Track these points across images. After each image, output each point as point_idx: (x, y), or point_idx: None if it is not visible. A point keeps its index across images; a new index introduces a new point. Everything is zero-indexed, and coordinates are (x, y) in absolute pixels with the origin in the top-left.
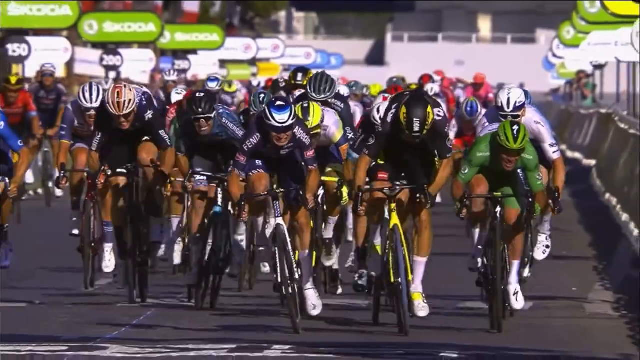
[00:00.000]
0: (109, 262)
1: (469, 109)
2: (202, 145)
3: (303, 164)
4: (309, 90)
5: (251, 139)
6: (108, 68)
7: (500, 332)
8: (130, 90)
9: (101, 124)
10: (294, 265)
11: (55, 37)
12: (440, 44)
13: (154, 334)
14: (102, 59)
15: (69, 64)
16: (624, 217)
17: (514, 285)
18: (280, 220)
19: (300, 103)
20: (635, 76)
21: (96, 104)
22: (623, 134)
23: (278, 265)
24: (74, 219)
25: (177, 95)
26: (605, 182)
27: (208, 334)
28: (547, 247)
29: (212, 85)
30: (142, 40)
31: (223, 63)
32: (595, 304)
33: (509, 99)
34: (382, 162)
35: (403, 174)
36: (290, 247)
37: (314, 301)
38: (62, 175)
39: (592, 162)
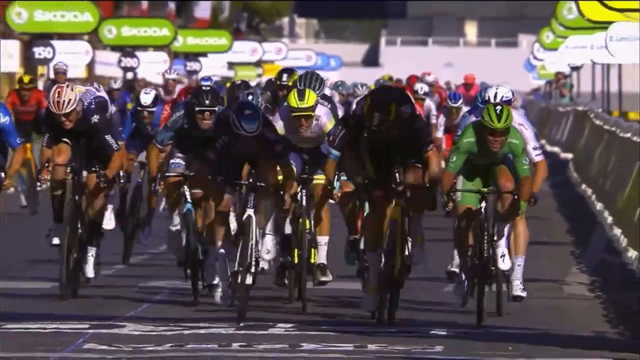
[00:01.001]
0: (110, 220)
1: (451, 95)
2: (196, 143)
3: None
4: (299, 88)
5: (221, 139)
6: (125, 69)
7: (479, 324)
8: (72, 90)
9: (49, 123)
10: (254, 258)
11: (77, 40)
12: (431, 47)
13: (167, 313)
14: (120, 61)
15: (90, 66)
16: (599, 206)
17: (502, 249)
18: (251, 212)
19: (296, 87)
20: (609, 76)
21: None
22: (598, 130)
23: (238, 254)
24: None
25: (145, 95)
26: (581, 174)
27: (217, 314)
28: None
29: (146, 99)
30: (156, 43)
31: (231, 65)
32: (572, 285)
33: (496, 93)
34: (373, 177)
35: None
36: (254, 240)
37: (269, 246)
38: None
39: (569, 155)
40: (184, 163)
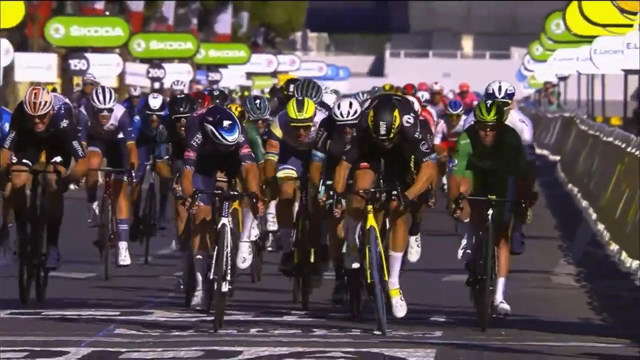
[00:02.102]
0: (125, 257)
1: (452, 104)
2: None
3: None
4: (296, 95)
5: (195, 139)
6: (153, 79)
7: (484, 330)
8: (48, 93)
9: (18, 123)
10: (229, 267)
11: (109, 54)
12: (431, 59)
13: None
14: (148, 72)
15: (121, 76)
16: (584, 203)
17: (502, 305)
18: (225, 221)
19: (295, 97)
20: (594, 86)
21: (109, 105)
22: (583, 134)
23: (214, 262)
24: (91, 211)
25: (153, 100)
26: (568, 175)
27: (237, 303)
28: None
29: (155, 103)
30: (181, 56)
31: (249, 75)
32: (559, 276)
33: (500, 86)
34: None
35: (381, 177)
36: (229, 248)
37: (245, 254)
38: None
39: (557, 157)
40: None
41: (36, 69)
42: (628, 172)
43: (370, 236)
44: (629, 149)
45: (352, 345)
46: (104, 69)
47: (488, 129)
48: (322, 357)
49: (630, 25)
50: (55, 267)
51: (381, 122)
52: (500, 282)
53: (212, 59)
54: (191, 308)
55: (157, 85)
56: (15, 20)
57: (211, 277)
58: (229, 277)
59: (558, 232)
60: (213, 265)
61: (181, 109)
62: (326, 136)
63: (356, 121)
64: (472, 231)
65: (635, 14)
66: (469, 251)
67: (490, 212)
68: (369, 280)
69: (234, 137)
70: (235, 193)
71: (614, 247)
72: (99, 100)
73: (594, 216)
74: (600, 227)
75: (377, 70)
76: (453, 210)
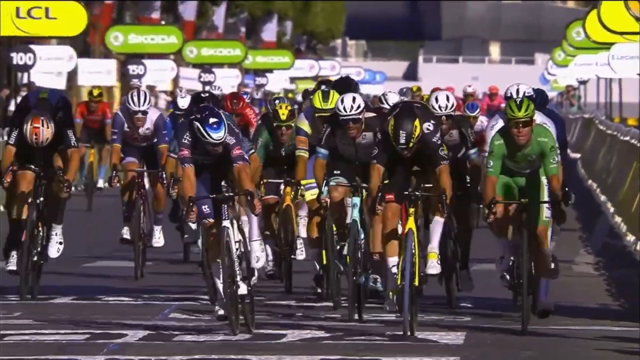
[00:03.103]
0: (159, 239)
1: (469, 106)
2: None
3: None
4: (324, 90)
5: (186, 137)
6: (204, 83)
7: (524, 333)
8: (48, 128)
9: (20, 121)
10: (237, 269)
11: (164, 59)
12: (461, 64)
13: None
14: (200, 76)
15: (175, 80)
16: (602, 198)
17: (545, 303)
18: (226, 223)
19: (321, 88)
20: (611, 89)
21: (143, 107)
22: (602, 134)
23: (221, 267)
24: (126, 228)
25: (181, 100)
26: (588, 171)
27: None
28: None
29: (183, 103)
30: (230, 61)
31: (292, 79)
32: (580, 265)
33: (518, 89)
34: (386, 182)
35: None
36: (234, 250)
37: (257, 254)
38: (114, 174)
39: (578, 155)
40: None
41: (97, 74)
42: None
43: (407, 240)
44: None
45: (386, 327)
46: (159, 74)
47: (520, 125)
48: (356, 340)
49: None
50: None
51: (401, 132)
52: (542, 283)
53: (258, 64)
54: (217, 319)
55: (207, 88)
56: (78, 29)
57: (221, 282)
58: (239, 278)
59: (579, 225)
60: (221, 271)
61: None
62: (330, 132)
63: (359, 116)
64: (506, 239)
65: None
66: (500, 259)
67: (524, 215)
68: (398, 283)
69: (219, 135)
70: (231, 194)
71: (631, 238)
72: (133, 103)
73: (612, 210)
74: (618, 219)
75: (411, 74)
76: (487, 215)
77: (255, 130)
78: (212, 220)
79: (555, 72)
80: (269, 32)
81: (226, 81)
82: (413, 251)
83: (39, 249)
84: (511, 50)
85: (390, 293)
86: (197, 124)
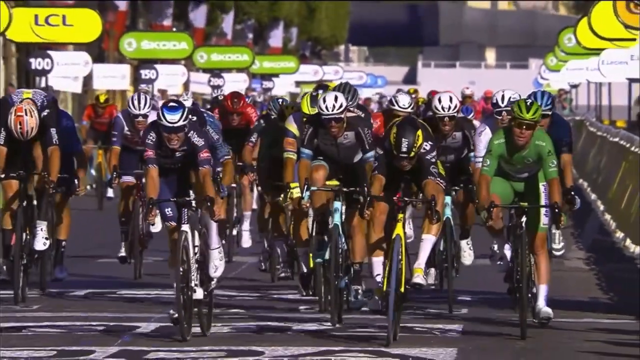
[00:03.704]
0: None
1: (463, 110)
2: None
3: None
4: (312, 94)
5: (150, 136)
6: (214, 87)
7: (523, 339)
8: (32, 117)
9: (5, 120)
10: (194, 274)
11: (175, 64)
12: (458, 69)
13: (255, 276)
14: (209, 81)
15: (186, 84)
16: (593, 196)
17: (544, 309)
18: (185, 228)
19: (310, 92)
20: (601, 92)
21: (144, 111)
22: (592, 135)
23: (175, 272)
24: (122, 242)
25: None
26: (579, 171)
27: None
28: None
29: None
30: (238, 66)
31: (298, 83)
32: (571, 260)
33: (503, 95)
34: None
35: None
36: (192, 255)
37: (216, 262)
38: (113, 176)
39: None
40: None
41: (112, 78)
42: (631, 168)
43: (395, 245)
44: (632, 148)
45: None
46: (171, 78)
47: (524, 127)
48: (358, 332)
49: (634, 39)
50: (62, 278)
51: (403, 139)
52: (542, 288)
53: (265, 69)
54: (171, 322)
55: (216, 92)
56: (93, 35)
57: (179, 287)
58: (195, 283)
59: (570, 222)
60: (176, 274)
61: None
62: (312, 132)
63: (341, 115)
64: (504, 242)
65: (637, 29)
66: (500, 262)
67: (523, 219)
68: (384, 288)
69: (173, 118)
70: (191, 199)
71: (620, 234)
72: (134, 107)
73: (602, 207)
74: (607, 217)
75: (410, 79)
76: (485, 219)
77: (252, 127)
78: (174, 224)
79: (548, 77)
80: (275, 38)
81: (234, 85)
82: (400, 257)
83: (28, 252)
84: (506, 56)
85: (374, 292)
86: (160, 107)
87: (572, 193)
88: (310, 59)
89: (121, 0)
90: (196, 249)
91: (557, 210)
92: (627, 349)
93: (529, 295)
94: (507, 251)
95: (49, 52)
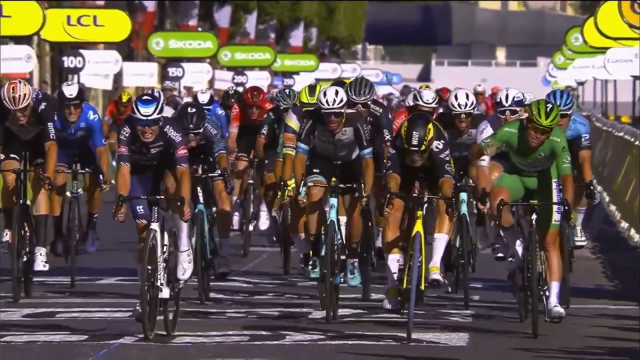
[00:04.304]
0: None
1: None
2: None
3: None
4: (349, 93)
5: (124, 131)
6: (237, 84)
7: (535, 337)
8: (25, 85)
9: (1, 118)
10: (161, 273)
11: (201, 63)
12: (470, 67)
13: (267, 268)
14: (233, 78)
15: (210, 82)
16: (599, 188)
17: (556, 308)
18: (155, 226)
19: (309, 84)
20: (607, 89)
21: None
22: (598, 130)
23: (140, 271)
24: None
25: (201, 95)
26: None
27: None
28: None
29: (203, 98)
30: (261, 64)
31: (317, 81)
32: (578, 249)
33: (507, 95)
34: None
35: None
36: (159, 254)
37: (184, 265)
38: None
39: None
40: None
41: (140, 76)
42: (635, 162)
43: (415, 243)
44: (636, 143)
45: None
46: (196, 76)
47: (540, 133)
48: (370, 317)
49: (638, 38)
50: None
51: (414, 132)
52: (553, 286)
53: (286, 67)
54: (135, 319)
55: (240, 89)
56: (123, 35)
57: (145, 286)
58: (161, 281)
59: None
60: (142, 272)
61: (191, 126)
62: (310, 126)
63: (342, 110)
64: (514, 238)
65: None
66: (511, 259)
67: (534, 217)
68: (404, 285)
69: (146, 110)
70: (162, 197)
71: (624, 225)
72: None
73: (608, 199)
74: (613, 208)
75: (424, 76)
76: (496, 217)
77: (262, 120)
78: (144, 222)
79: (556, 74)
80: (296, 37)
81: (257, 82)
82: (420, 254)
83: (27, 248)
84: (516, 54)
85: (390, 291)
86: (135, 100)
87: (592, 188)
88: (329, 58)
89: (149, 1)
90: (165, 248)
91: (566, 208)
92: (631, 334)
93: (540, 293)
94: (519, 248)
95: (81, 51)
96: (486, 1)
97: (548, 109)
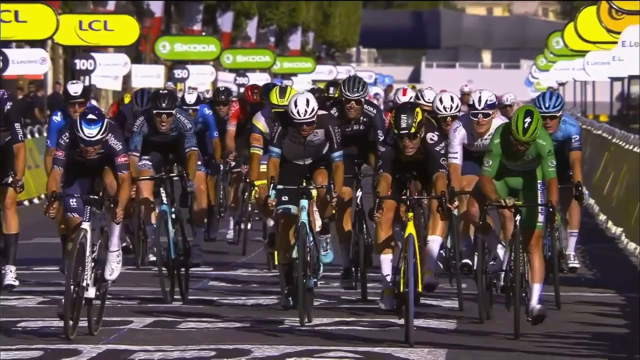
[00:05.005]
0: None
1: None
2: (155, 144)
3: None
4: (343, 90)
5: (64, 136)
6: (239, 86)
7: (517, 338)
8: None
9: None
10: (88, 272)
11: (205, 65)
12: (457, 69)
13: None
14: (235, 79)
15: (214, 83)
16: None
17: (538, 306)
18: (86, 226)
19: (279, 85)
20: (586, 90)
21: (147, 107)
22: None
23: (66, 269)
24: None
25: (188, 95)
26: None
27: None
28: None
29: (190, 99)
30: (261, 67)
31: (314, 82)
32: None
33: (480, 97)
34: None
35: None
36: (88, 253)
37: (113, 265)
38: None
39: None
40: (150, 164)
41: (148, 78)
42: (613, 158)
43: (409, 245)
44: (613, 140)
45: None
46: (200, 77)
47: (520, 145)
48: (364, 306)
49: (615, 42)
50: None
51: (402, 116)
52: (535, 287)
53: (285, 69)
54: (57, 316)
55: (242, 90)
56: (131, 39)
57: (71, 284)
58: (88, 282)
59: (558, 206)
60: (68, 271)
61: (163, 105)
62: (282, 130)
63: (313, 119)
64: (496, 242)
65: (618, 33)
66: (492, 262)
67: (517, 218)
68: (401, 290)
69: (91, 132)
70: (96, 197)
71: (602, 217)
72: (137, 103)
73: (587, 193)
74: (591, 202)
75: (415, 78)
76: (480, 220)
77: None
78: (75, 216)
79: (538, 76)
80: (294, 41)
81: (258, 83)
82: (414, 257)
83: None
84: (501, 57)
85: (385, 292)
86: (78, 118)
87: (581, 189)
88: (325, 60)
89: (156, 7)
90: (94, 247)
91: (551, 210)
92: (610, 319)
93: (523, 294)
94: (500, 251)
95: (92, 54)
96: (472, 7)
97: (525, 125)
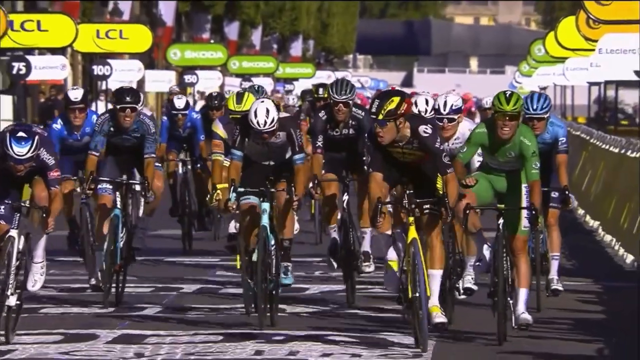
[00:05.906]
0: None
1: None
2: (115, 147)
3: (47, 184)
4: (331, 92)
5: None
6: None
7: (500, 344)
8: None
9: None
10: (12, 280)
11: (212, 70)
12: (447, 74)
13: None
14: (240, 84)
15: (221, 88)
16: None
17: (523, 315)
18: (13, 233)
19: (237, 91)
20: (565, 94)
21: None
22: None
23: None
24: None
25: (177, 100)
26: None
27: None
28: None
29: (179, 104)
30: (265, 72)
31: (314, 86)
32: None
33: (445, 102)
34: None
35: (410, 191)
36: (14, 262)
37: (36, 277)
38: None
39: None
40: (110, 187)
41: (160, 83)
42: (590, 156)
43: (414, 250)
44: (591, 140)
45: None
46: (208, 82)
47: (507, 118)
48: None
49: (593, 50)
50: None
51: (376, 100)
52: (521, 292)
53: (287, 74)
54: None
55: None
56: (145, 46)
57: None
58: (11, 291)
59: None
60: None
61: (127, 99)
62: (242, 133)
63: (273, 129)
64: (482, 242)
65: (595, 41)
66: (478, 264)
67: (501, 221)
68: (410, 295)
69: (21, 150)
70: (27, 205)
71: (581, 211)
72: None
73: (572, 196)
74: (571, 197)
75: (407, 83)
76: (464, 222)
77: None
78: (4, 224)
79: (521, 81)
80: (296, 48)
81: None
82: (421, 261)
83: None
84: (487, 63)
85: (387, 266)
86: (7, 134)
87: (567, 192)
88: (324, 66)
89: (168, 15)
90: (19, 255)
91: (534, 212)
92: (588, 306)
93: (508, 299)
94: (487, 252)
95: (109, 60)
96: (461, 17)
97: (507, 95)
